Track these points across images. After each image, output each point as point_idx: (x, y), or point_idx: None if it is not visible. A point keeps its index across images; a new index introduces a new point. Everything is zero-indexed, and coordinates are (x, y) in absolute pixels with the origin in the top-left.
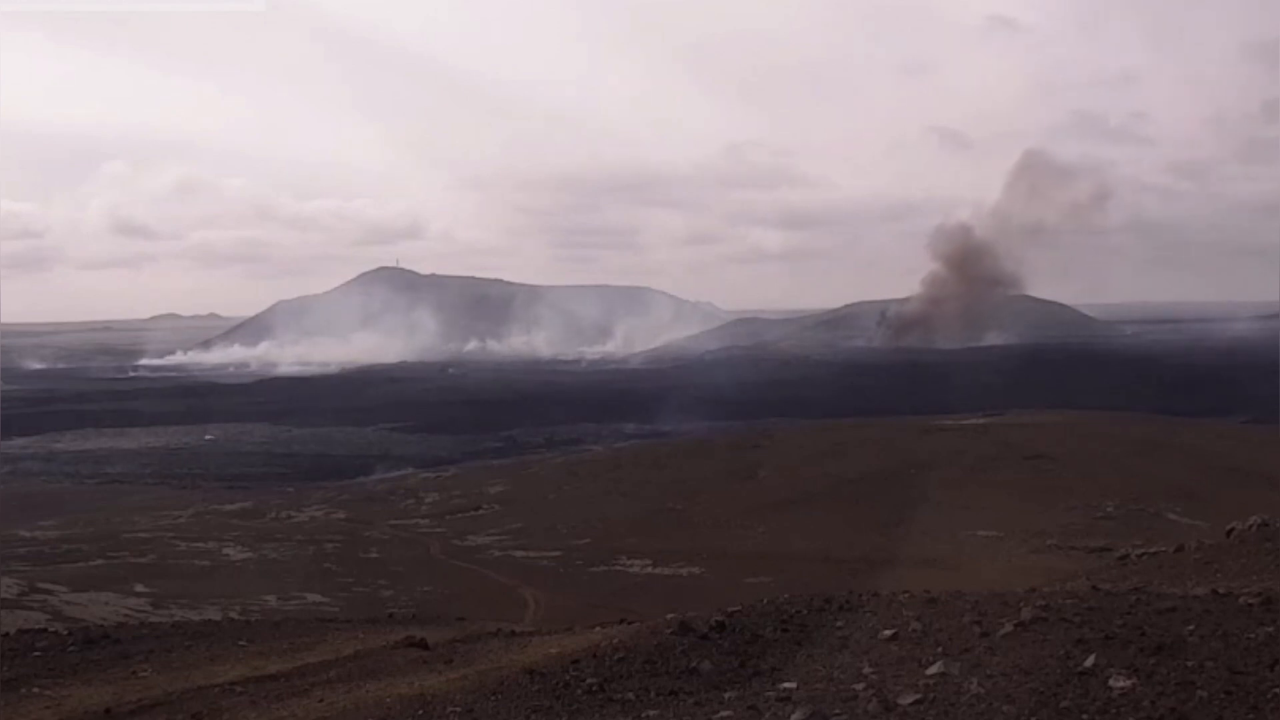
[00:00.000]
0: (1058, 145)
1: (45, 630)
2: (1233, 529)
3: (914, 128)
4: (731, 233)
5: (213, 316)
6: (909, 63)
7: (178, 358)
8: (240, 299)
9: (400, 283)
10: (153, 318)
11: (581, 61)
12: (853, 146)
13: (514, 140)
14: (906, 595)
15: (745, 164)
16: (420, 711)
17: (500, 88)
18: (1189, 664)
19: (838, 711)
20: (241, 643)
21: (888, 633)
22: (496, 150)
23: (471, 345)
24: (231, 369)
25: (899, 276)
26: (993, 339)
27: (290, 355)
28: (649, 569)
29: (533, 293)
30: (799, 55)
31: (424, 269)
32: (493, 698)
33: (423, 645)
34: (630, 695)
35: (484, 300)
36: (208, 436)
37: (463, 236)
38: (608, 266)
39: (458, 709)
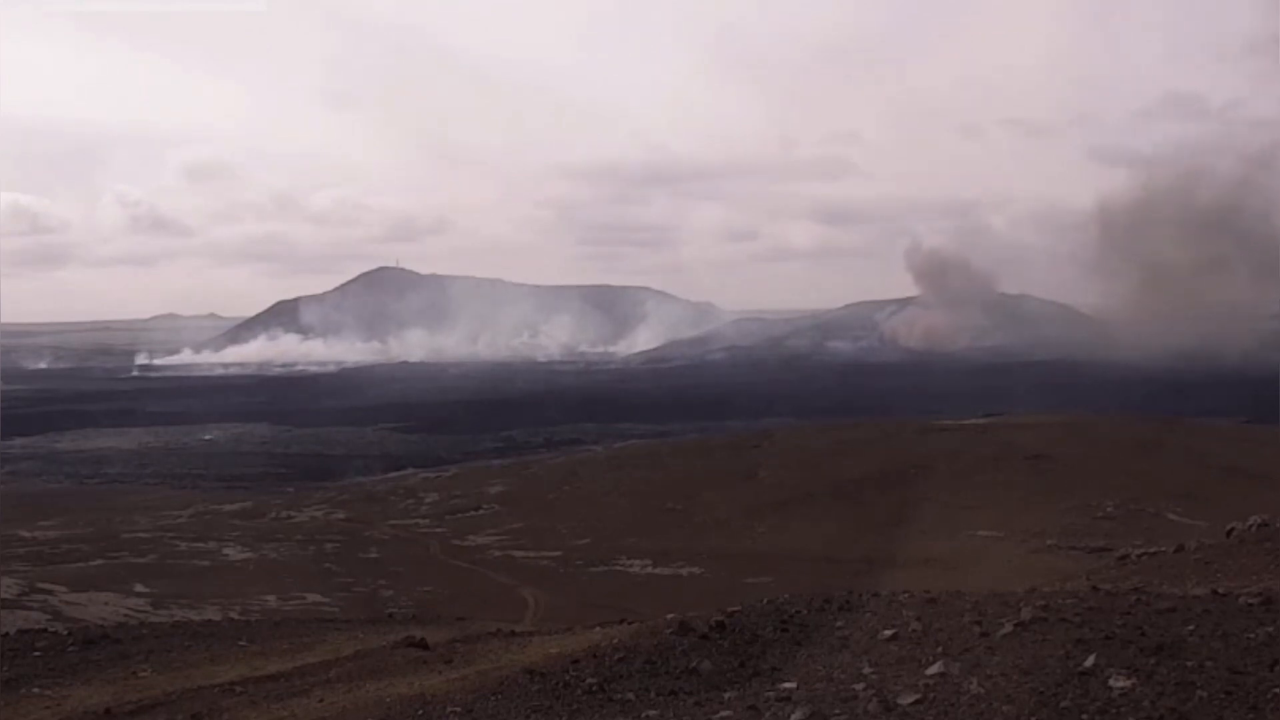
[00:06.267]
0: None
1: (45, 630)
2: (1233, 529)
3: (982, 120)
4: (764, 230)
5: (212, 316)
6: (975, 52)
7: (177, 358)
8: (240, 299)
9: (400, 283)
10: (153, 318)
11: (612, 49)
12: (912, 139)
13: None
14: (906, 595)
15: (789, 158)
16: (420, 711)
17: (523, 78)
18: (1189, 664)
19: (838, 711)
20: (241, 643)
21: (888, 633)
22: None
23: (472, 345)
24: (231, 369)
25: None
26: (993, 339)
27: (290, 355)
28: (649, 569)
29: (533, 292)
30: (857, 42)
31: (424, 269)
32: (493, 698)
33: (423, 645)
34: (630, 695)
35: (484, 300)
36: (207, 436)
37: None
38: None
39: (458, 709)
